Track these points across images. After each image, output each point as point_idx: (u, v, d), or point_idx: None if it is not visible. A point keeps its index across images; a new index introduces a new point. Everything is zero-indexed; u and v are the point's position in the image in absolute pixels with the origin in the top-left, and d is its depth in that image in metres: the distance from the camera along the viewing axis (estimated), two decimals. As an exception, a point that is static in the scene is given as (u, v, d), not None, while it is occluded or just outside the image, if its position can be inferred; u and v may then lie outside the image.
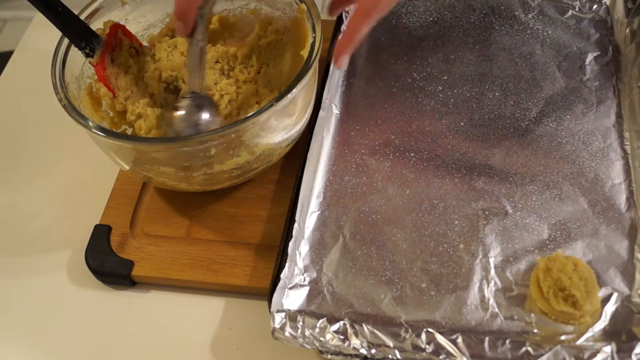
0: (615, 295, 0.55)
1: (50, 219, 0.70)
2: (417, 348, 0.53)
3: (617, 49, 0.73)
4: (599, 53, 0.73)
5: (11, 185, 0.74)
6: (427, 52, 0.75)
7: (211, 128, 0.61)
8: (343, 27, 0.74)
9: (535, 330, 0.54)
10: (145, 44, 0.70)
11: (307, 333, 0.54)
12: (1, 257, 0.68)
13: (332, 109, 0.70)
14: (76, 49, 0.63)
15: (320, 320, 0.55)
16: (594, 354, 0.51)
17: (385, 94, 0.72)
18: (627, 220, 0.60)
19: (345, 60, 0.60)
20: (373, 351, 0.53)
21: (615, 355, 0.51)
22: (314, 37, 0.62)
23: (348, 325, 0.55)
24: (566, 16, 0.77)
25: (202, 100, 0.62)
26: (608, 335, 0.53)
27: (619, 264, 0.57)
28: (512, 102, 0.70)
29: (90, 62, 0.64)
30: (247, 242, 0.64)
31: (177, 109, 0.62)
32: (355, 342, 0.53)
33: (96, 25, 0.65)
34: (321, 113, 0.68)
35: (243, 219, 0.66)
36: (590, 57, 0.73)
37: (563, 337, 0.53)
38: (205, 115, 0.62)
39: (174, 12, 0.61)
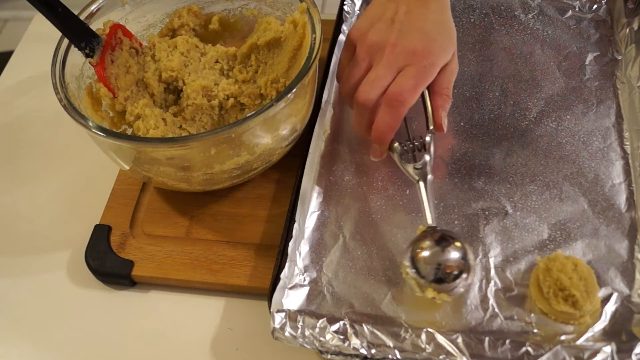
0: (615, 295, 0.55)
1: (50, 219, 0.70)
2: (417, 348, 0.53)
3: (617, 49, 0.73)
4: (599, 53, 0.73)
5: (11, 185, 0.74)
6: (427, 52, 0.75)
7: (462, 274, 0.55)
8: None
9: (535, 330, 0.54)
10: (145, 44, 0.70)
11: (307, 333, 0.54)
12: (1, 257, 0.68)
13: (331, 109, 0.70)
14: (76, 49, 0.63)
15: (320, 320, 0.55)
16: (594, 354, 0.51)
17: (385, 94, 0.72)
18: (627, 220, 0.60)
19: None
20: (373, 351, 0.53)
21: (615, 355, 0.51)
22: (314, 37, 0.62)
23: (348, 325, 0.55)
24: (566, 16, 0.77)
25: (446, 237, 0.56)
26: (608, 335, 0.53)
27: (619, 264, 0.57)
28: (512, 102, 0.70)
29: (90, 62, 0.64)
30: (247, 242, 0.64)
31: (420, 248, 0.55)
32: (355, 342, 0.53)
33: (96, 25, 0.65)
34: (321, 113, 0.68)
35: (243, 219, 0.66)
36: (590, 57, 0.73)
37: (563, 337, 0.53)
38: (454, 255, 0.55)
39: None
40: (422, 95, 0.63)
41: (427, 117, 0.63)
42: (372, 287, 0.58)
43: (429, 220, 0.58)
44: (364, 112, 0.61)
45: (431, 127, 0.63)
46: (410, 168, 0.61)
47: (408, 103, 0.60)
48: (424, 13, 0.63)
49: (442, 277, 0.54)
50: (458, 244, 0.55)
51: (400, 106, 0.59)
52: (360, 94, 0.61)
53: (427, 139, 0.62)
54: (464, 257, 0.55)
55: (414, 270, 0.55)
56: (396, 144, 0.62)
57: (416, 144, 0.63)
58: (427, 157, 0.61)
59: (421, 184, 0.60)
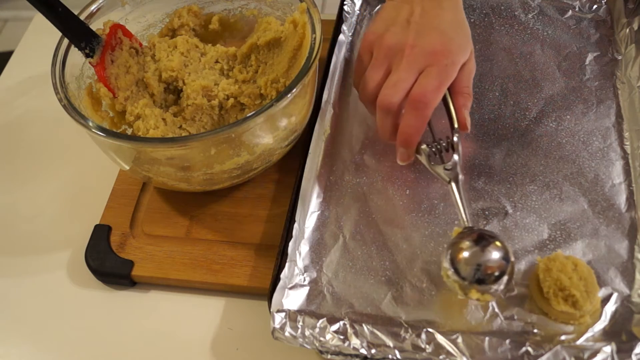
0: (615, 295, 0.55)
1: (50, 219, 0.70)
2: (417, 348, 0.53)
3: (617, 49, 0.73)
4: (599, 53, 0.73)
5: (11, 185, 0.74)
6: (427, 52, 0.75)
7: (504, 275, 0.53)
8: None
9: (535, 330, 0.54)
10: (145, 44, 0.70)
11: (307, 333, 0.54)
12: (1, 257, 0.68)
13: (331, 109, 0.70)
14: (76, 49, 0.63)
15: (320, 320, 0.55)
16: (594, 354, 0.51)
17: (385, 94, 0.72)
18: (627, 220, 0.60)
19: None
20: (373, 351, 0.53)
21: (615, 355, 0.51)
22: (314, 37, 0.62)
23: (348, 325, 0.55)
24: (566, 16, 0.77)
25: (484, 236, 0.55)
26: (608, 335, 0.53)
27: (619, 264, 0.57)
28: (512, 102, 0.70)
29: (90, 62, 0.64)
30: (247, 242, 0.64)
31: (460, 249, 0.54)
32: (355, 342, 0.53)
33: (96, 25, 0.65)
34: (321, 113, 0.68)
35: (243, 219, 0.66)
36: (590, 57, 0.73)
37: (563, 337, 0.53)
38: (495, 254, 0.53)
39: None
40: (443, 96, 0.62)
41: (450, 117, 0.62)
42: (372, 287, 0.58)
43: (465, 221, 0.57)
44: (387, 116, 0.61)
45: (456, 127, 0.62)
46: (440, 169, 0.60)
47: (433, 104, 0.59)
48: (439, 13, 0.62)
49: (483, 278, 0.53)
50: (498, 243, 0.54)
51: (425, 108, 0.59)
52: (383, 98, 0.60)
53: (455, 139, 0.61)
54: (505, 256, 0.53)
55: (452, 271, 0.54)
56: (423, 146, 0.61)
57: (443, 144, 0.62)
58: (456, 157, 0.60)
59: (453, 184, 0.59)
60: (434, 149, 0.62)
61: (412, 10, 0.63)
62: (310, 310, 0.56)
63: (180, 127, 0.66)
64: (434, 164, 0.61)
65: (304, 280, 0.59)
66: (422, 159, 0.62)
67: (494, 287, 0.53)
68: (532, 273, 0.57)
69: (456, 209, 0.58)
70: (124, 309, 0.63)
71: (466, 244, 0.54)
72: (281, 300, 0.56)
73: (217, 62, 0.70)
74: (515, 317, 0.55)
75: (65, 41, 0.63)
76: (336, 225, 0.62)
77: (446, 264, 0.54)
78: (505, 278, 0.53)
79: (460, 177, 0.59)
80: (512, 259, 0.54)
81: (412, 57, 0.60)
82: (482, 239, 0.54)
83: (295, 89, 0.58)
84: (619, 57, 0.72)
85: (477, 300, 0.53)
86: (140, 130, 0.63)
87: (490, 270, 0.53)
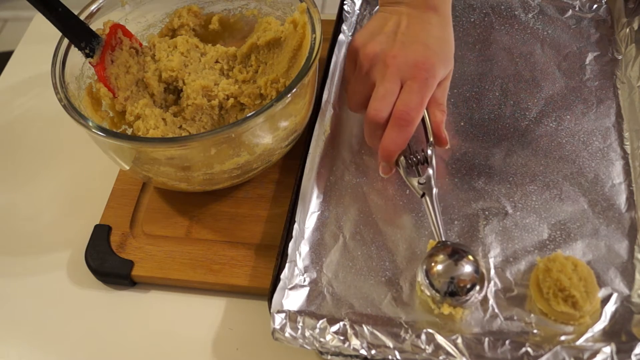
0: (615, 295, 0.55)
1: (50, 219, 0.70)
2: (417, 349, 0.53)
3: (617, 49, 0.73)
4: (599, 53, 0.73)
5: (11, 185, 0.74)
6: (427, 52, 0.75)
7: (475, 287, 0.55)
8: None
9: (535, 331, 0.54)
10: (145, 44, 0.70)
11: (307, 334, 0.54)
12: (1, 257, 0.68)
13: (331, 109, 0.70)
14: (76, 49, 0.63)
15: (320, 321, 0.55)
16: (594, 355, 0.51)
17: (385, 94, 0.72)
18: (627, 220, 0.60)
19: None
20: (373, 352, 0.53)
21: (614, 356, 0.51)
22: (314, 37, 0.62)
23: (348, 326, 0.55)
24: (566, 16, 0.77)
25: (458, 250, 0.56)
26: (608, 335, 0.53)
27: (619, 264, 0.57)
28: (512, 102, 0.70)
29: (90, 62, 0.64)
30: (247, 242, 0.64)
31: (434, 262, 0.56)
32: (355, 342, 0.53)
33: (96, 25, 0.65)
34: (321, 113, 0.68)
35: (243, 219, 0.66)
36: (590, 57, 0.73)
37: (563, 338, 0.53)
38: (467, 268, 0.55)
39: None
40: None
41: (425, 130, 0.63)
42: (372, 288, 0.58)
43: (439, 235, 0.58)
44: (377, 129, 0.62)
45: (431, 140, 0.62)
46: (414, 182, 0.61)
47: (416, 121, 0.60)
48: (426, 27, 0.63)
49: (456, 291, 0.54)
50: (470, 257, 0.56)
51: (409, 125, 0.60)
52: (373, 114, 0.61)
53: (429, 152, 0.62)
54: (477, 270, 0.55)
55: (427, 282, 0.55)
56: (401, 158, 0.62)
57: (419, 157, 0.62)
58: (430, 171, 0.61)
59: (427, 198, 0.60)
60: (410, 162, 0.62)
61: (399, 22, 0.64)
62: (310, 311, 0.56)
63: (180, 127, 0.66)
64: (409, 176, 0.62)
65: (304, 280, 0.59)
66: (400, 170, 0.62)
67: (464, 299, 0.55)
68: (532, 273, 0.57)
69: (430, 222, 0.59)
70: (124, 309, 0.63)
71: (440, 257, 0.56)
72: (281, 300, 0.56)
73: (217, 62, 0.70)
74: (515, 317, 0.55)
75: (65, 41, 0.63)
76: (336, 226, 0.62)
77: (420, 277, 0.56)
78: (476, 289, 0.55)
79: (435, 190, 0.60)
80: (485, 273, 0.56)
81: (395, 67, 0.61)
82: (456, 253, 0.56)
83: (295, 89, 0.58)
84: (619, 57, 0.72)
85: (450, 315, 0.55)
86: (140, 130, 0.63)
87: (462, 283, 0.55)
